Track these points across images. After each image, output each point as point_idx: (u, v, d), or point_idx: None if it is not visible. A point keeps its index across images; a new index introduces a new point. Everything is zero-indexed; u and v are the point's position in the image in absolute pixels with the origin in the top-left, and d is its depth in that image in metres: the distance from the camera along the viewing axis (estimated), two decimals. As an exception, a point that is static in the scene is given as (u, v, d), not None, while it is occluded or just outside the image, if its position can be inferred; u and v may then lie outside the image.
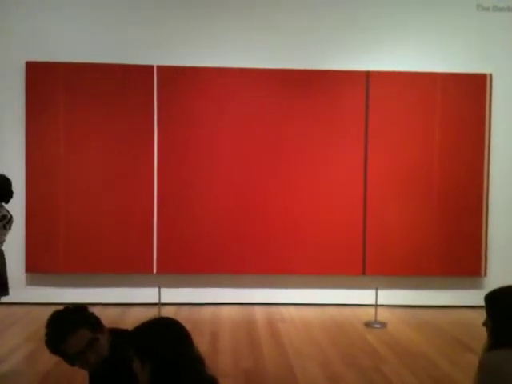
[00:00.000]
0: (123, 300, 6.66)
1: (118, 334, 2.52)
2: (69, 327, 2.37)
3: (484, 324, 2.40)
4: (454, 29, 6.86)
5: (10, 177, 4.63)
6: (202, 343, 5.17)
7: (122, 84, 6.58)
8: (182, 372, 2.02)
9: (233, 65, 6.66)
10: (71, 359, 2.40)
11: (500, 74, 6.84)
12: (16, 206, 6.34)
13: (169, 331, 2.17)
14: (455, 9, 6.86)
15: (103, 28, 6.67)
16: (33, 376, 4.41)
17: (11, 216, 4.43)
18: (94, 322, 2.45)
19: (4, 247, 4.55)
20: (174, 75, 6.60)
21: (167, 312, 6.29)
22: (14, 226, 4.71)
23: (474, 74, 6.77)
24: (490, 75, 6.79)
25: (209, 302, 6.76)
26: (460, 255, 6.80)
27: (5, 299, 4.75)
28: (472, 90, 6.78)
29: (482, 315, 2.41)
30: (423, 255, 6.76)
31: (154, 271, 6.65)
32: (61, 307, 2.50)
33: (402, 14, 6.85)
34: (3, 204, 4.41)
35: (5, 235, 4.40)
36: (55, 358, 2.48)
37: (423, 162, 6.76)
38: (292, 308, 6.73)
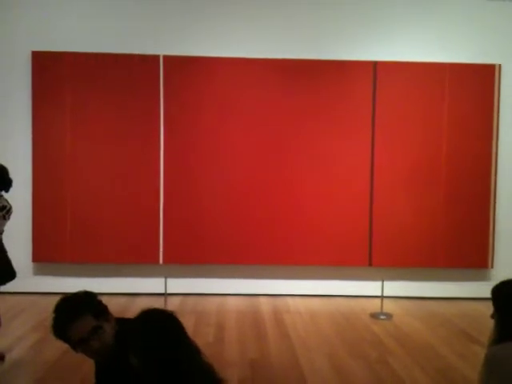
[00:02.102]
0: (130, 290, 6.69)
1: (124, 322, 2.52)
2: (73, 313, 2.37)
3: (492, 316, 2.39)
4: (463, 19, 6.80)
5: (16, 167, 4.63)
6: (207, 333, 5.20)
7: (128, 74, 6.56)
8: (179, 360, 2.03)
9: (240, 55, 6.64)
10: (74, 345, 2.41)
11: (509, 64, 6.78)
12: (23, 196, 6.40)
13: (163, 322, 2.17)
14: (464, -2, 6.81)
15: (109, 18, 6.65)
16: (40, 365, 4.44)
17: (10, 206, 4.41)
18: (99, 310, 2.45)
19: (9, 237, 4.56)
20: (180, 65, 6.58)
21: (173, 302, 6.31)
22: (21, 215, 4.74)
23: (483, 65, 6.71)
24: (499, 66, 6.73)
25: (215, 293, 6.77)
26: (467, 247, 6.77)
27: (12, 288, 4.78)
28: (480, 81, 6.72)
29: (488, 307, 2.40)
30: (430, 247, 6.75)
31: (161, 261, 6.67)
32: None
33: (409, 3, 6.79)
34: (2, 194, 4.39)
35: (4, 225, 4.39)
36: (62, 348, 2.50)
37: (430, 153, 6.73)
38: (298, 299, 6.74)
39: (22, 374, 4.35)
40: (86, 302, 2.44)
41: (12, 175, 4.46)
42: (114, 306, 2.71)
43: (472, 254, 6.81)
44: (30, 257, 6.59)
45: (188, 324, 5.48)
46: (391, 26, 6.78)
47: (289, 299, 6.71)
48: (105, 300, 2.53)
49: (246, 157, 6.67)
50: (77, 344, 2.39)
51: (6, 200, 4.39)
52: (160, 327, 2.12)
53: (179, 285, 6.66)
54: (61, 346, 2.47)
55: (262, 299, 6.68)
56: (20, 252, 6.28)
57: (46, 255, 6.61)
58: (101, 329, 2.40)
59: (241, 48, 6.67)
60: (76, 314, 2.37)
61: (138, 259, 6.68)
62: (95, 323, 2.39)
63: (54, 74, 6.52)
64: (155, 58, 6.57)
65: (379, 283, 6.30)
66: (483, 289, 6.56)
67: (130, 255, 6.64)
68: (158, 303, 5.96)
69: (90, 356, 2.46)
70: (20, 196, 6.07)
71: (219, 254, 6.68)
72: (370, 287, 6.73)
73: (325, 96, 6.67)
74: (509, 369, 2.10)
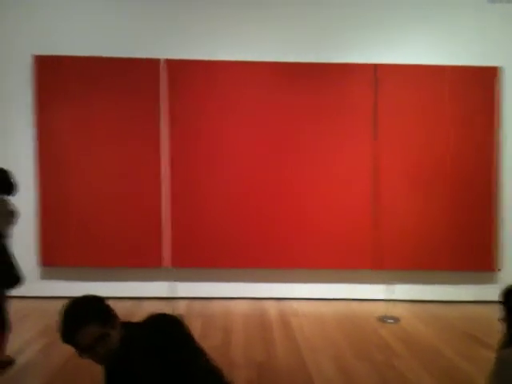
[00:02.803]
0: (136, 294, 6.70)
1: (131, 327, 2.53)
2: (80, 321, 2.38)
3: (501, 319, 2.38)
4: (464, 21, 6.80)
5: (21, 171, 4.66)
6: (214, 337, 5.21)
7: (129, 78, 6.58)
8: (185, 363, 2.04)
9: (241, 58, 6.65)
10: (80, 351, 2.42)
11: (510, 66, 6.76)
12: (28, 201, 6.44)
13: (170, 326, 2.18)
14: (466, 0, 6.79)
15: (111, 22, 6.67)
16: (48, 368, 4.45)
17: (17, 210, 4.44)
18: (106, 316, 2.45)
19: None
20: (181, 68, 6.61)
21: (180, 306, 6.32)
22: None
23: (484, 67, 6.71)
24: (501, 68, 6.72)
25: (221, 296, 6.78)
26: (473, 249, 6.75)
27: (19, 293, 4.80)
28: (482, 83, 6.71)
29: (494, 310, 2.40)
30: (436, 249, 6.73)
31: (167, 265, 6.68)
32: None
33: (411, 5, 6.79)
34: (9, 198, 4.41)
35: (10, 230, 4.41)
36: (70, 351, 2.50)
37: (433, 155, 6.72)
38: (304, 302, 6.73)
39: (31, 377, 4.36)
40: (94, 309, 2.44)
41: (16, 179, 4.49)
42: (120, 310, 2.71)
43: (479, 257, 6.79)
44: (37, 261, 6.62)
45: (195, 327, 5.51)
46: (392, 29, 6.78)
47: (295, 302, 6.71)
48: (111, 304, 2.54)
49: (249, 159, 6.67)
50: (83, 350, 2.40)
51: (13, 204, 4.42)
52: (166, 331, 2.13)
53: (185, 289, 6.67)
54: (69, 349, 2.48)
55: (269, 303, 6.68)
56: (27, 256, 6.31)
57: (52, 259, 6.63)
58: (107, 336, 2.40)
59: (243, 52, 6.68)
60: (83, 322, 2.38)
61: (145, 263, 6.69)
62: (102, 331, 2.39)
63: (55, 77, 6.55)
64: (156, 61, 6.60)
65: (386, 286, 6.28)
66: (490, 292, 6.58)
67: (137, 259, 6.65)
68: (164, 307, 5.97)
69: (97, 361, 2.47)
70: (25, 200, 6.10)
71: (225, 258, 6.69)
72: (377, 290, 6.71)
73: (326, 99, 6.68)
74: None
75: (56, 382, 4.21)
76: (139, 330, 2.18)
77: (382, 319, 6.02)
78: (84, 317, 2.39)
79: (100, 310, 2.46)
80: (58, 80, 6.56)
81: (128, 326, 2.54)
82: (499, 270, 6.78)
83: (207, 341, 4.97)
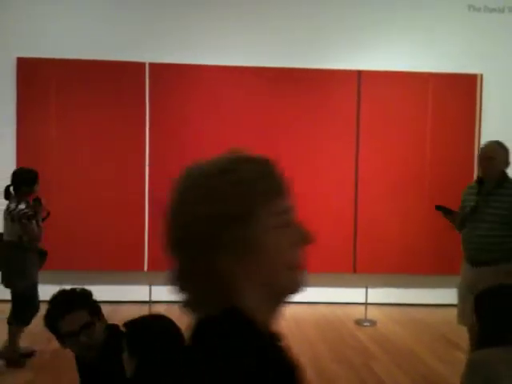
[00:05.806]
0: (114, 297, 6.64)
1: (113, 327, 2.53)
2: (70, 305, 2.41)
3: (475, 323, 2.43)
4: (446, 29, 6.90)
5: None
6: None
7: (113, 81, 6.57)
8: (165, 370, 2.03)
9: (225, 63, 6.67)
10: (63, 338, 2.40)
11: (491, 74, 6.88)
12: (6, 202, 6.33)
13: (163, 330, 2.18)
14: (447, 9, 6.90)
15: (95, 24, 6.65)
16: (25, 372, 4.39)
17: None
18: (94, 307, 2.47)
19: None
20: (165, 72, 6.60)
21: (158, 310, 6.28)
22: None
23: (465, 75, 6.81)
24: (481, 75, 6.83)
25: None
26: (450, 254, 6.82)
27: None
28: (463, 90, 6.82)
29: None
30: (414, 253, 6.80)
31: (145, 268, 6.64)
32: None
33: (393, 13, 6.88)
34: None
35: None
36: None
37: (414, 161, 6.80)
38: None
39: (9, 378, 4.31)
40: (84, 297, 2.48)
41: None
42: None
43: (456, 261, 6.86)
44: (14, 264, 6.53)
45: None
46: (375, 36, 6.86)
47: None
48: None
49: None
50: (66, 337, 2.38)
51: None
52: (165, 331, 2.13)
53: (164, 292, 6.61)
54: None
55: (247, 306, 6.67)
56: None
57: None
58: (93, 325, 2.40)
59: (227, 56, 6.70)
60: (72, 306, 2.39)
61: (123, 266, 6.65)
62: (89, 319, 2.40)
63: (39, 80, 6.51)
64: (141, 65, 6.58)
65: (363, 290, 6.33)
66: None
67: (115, 262, 6.61)
68: (143, 311, 5.93)
69: (76, 352, 2.46)
70: (2, 202, 6.02)
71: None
72: (355, 294, 6.76)
73: (309, 105, 6.72)
74: (490, 374, 2.13)
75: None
76: (137, 324, 2.17)
77: (359, 322, 6.06)
78: (74, 302, 2.41)
79: (90, 300, 2.48)
80: (42, 83, 6.51)
81: (111, 326, 2.54)
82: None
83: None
